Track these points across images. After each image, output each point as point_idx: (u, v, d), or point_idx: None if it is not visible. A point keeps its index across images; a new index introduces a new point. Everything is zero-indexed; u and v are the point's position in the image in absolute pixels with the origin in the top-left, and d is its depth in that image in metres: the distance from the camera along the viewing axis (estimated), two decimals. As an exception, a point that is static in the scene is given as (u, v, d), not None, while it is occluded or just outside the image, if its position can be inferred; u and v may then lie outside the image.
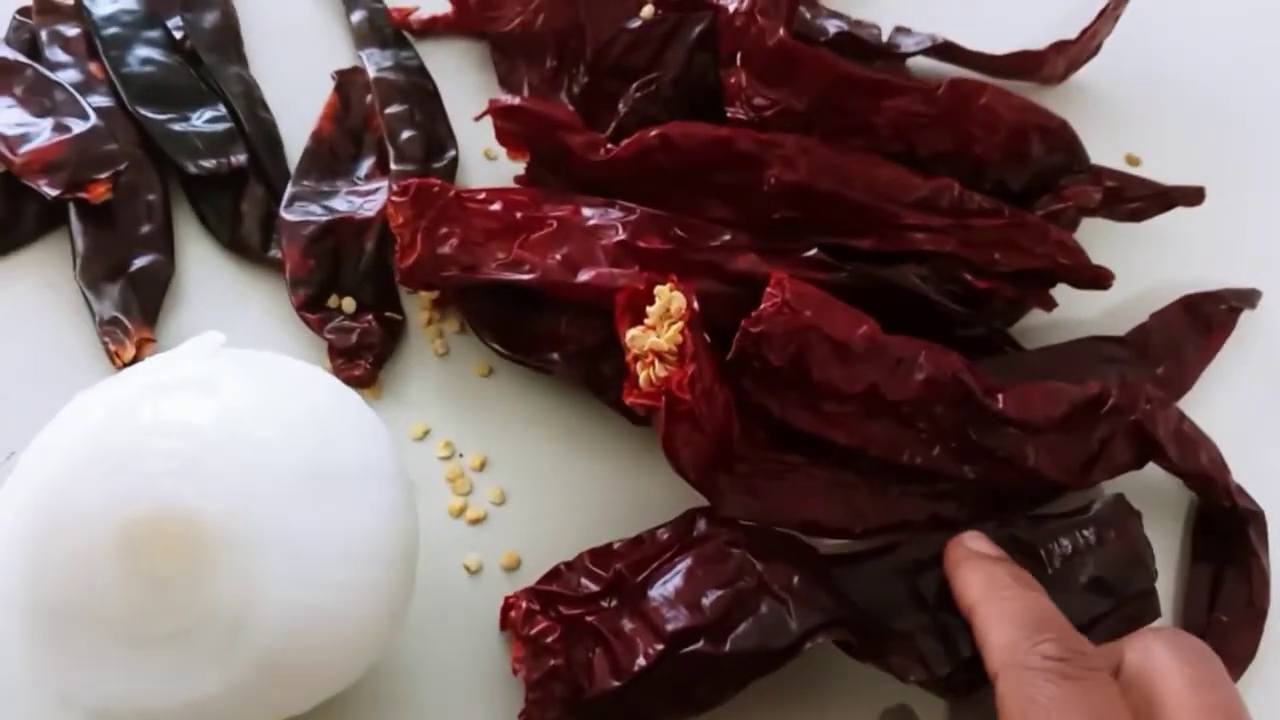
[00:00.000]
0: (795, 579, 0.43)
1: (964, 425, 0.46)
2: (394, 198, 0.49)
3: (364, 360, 0.51)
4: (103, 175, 0.52)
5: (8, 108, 0.55)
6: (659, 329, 0.43)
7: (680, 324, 0.42)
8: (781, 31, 0.53)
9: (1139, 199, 0.57)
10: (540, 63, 0.60)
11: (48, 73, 0.56)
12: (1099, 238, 0.56)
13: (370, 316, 0.52)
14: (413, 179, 0.49)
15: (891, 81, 0.54)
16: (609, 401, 0.50)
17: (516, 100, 0.52)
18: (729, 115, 0.53)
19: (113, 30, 0.58)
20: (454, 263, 0.49)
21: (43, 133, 0.53)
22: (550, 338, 0.51)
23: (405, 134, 0.57)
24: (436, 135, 0.58)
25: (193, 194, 0.56)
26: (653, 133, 0.51)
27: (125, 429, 0.37)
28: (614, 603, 0.44)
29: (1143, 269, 0.58)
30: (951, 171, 0.53)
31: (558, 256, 0.48)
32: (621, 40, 0.57)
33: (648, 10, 0.58)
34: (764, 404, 0.45)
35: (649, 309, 0.43)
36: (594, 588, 0.44)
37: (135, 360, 0.50)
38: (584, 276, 0.48)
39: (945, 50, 0.61)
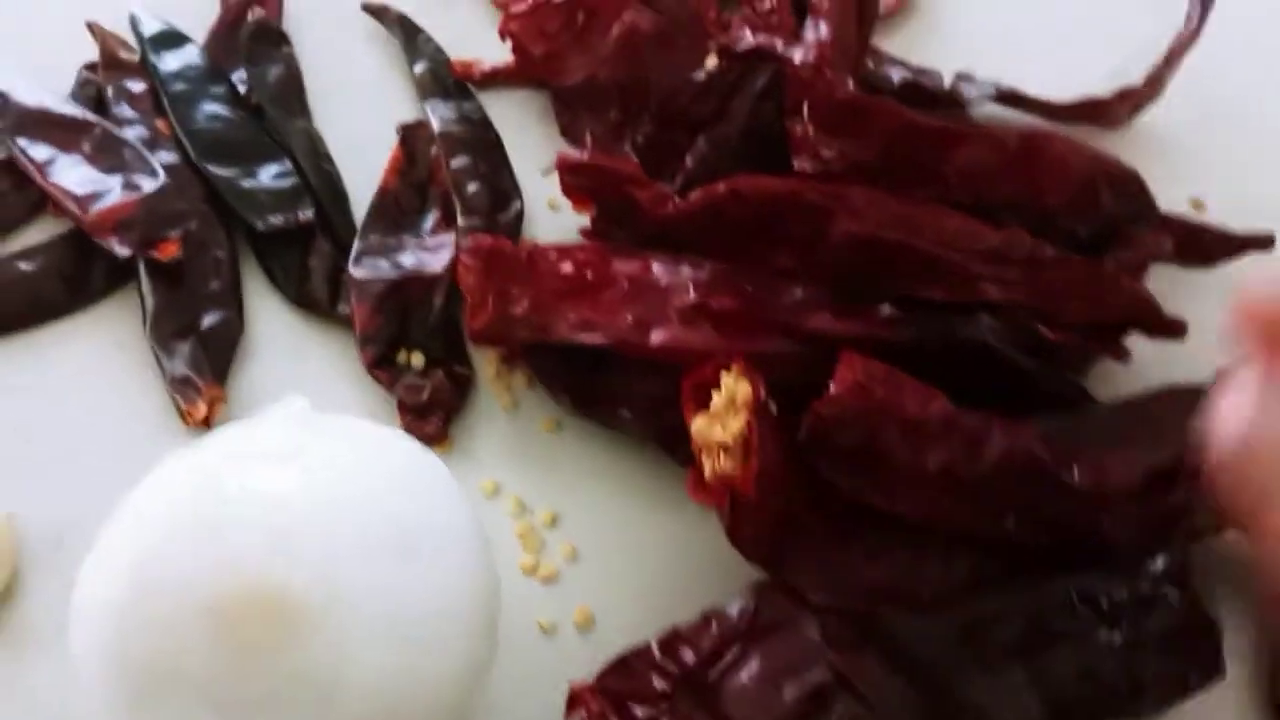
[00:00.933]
0: (872, 667, 0.42)
1: (1038, 498, 0.45)
2: (465, 259, 0.49)
3: (435, 418, 0.51)
4: (172, 234, 0.53)
5: (76, 165, 0.55)
6: (724, 419, 0.42)
7: (746, 414, 0.42)
8: (850, 83, 0.52)
9: (1208, 245, 0.57)
10: (603, 114, 0.60)
11: (115, 129, 0.56)
12: (1169, 282, 0.56)
13: (440, 372, 0.52)
14: (484, 240, 0.49)
15: (960, 131, 0.53)
16: (680, 459, 0.50)
17: (583, 156, 0.51)
18: (796, 167, 0.53)
19: (179, 86, 0.59)
20: (525, 324, 0.49)
21: (112, 191, 0.54)
22: (619, 393, 0.51)
23: (471, 187, 0.57)
24: (501, 188, 0.58)
25: (260, 249, 0.56)
26: (721, 186, 0.51)
27: (211, 499, 0.37)
28: (687, 702, 0.43)
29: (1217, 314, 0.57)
30: (1021, 220, 0.52)
31: (629, 318, 0.48)
32: (686, 92, 0.57)
33: (712, 61, 0.57)
34: (834, 482, 0.45)
35: (715, 395, 0.43)
36: (665, 686, 0.43)
37: (207, 419, 0.50)
38: (656, 339, 0.48)
39: (1009, 97, 0.61)
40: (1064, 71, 0.63)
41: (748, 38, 0.57)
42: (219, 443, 0.40)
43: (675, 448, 0.50)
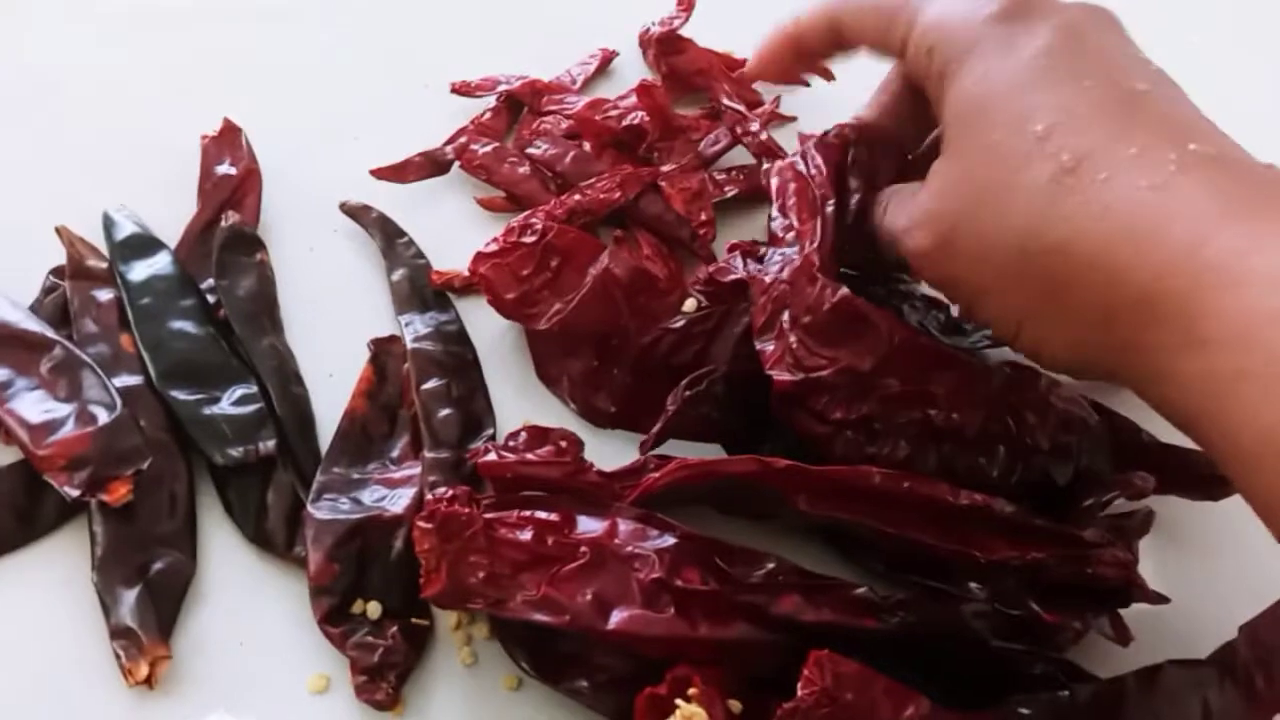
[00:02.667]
0: None
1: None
2: (419, 523, 0.47)
3: (387, 682, 0.48)
4: (125, 473, 0.50)
5: (31, 389, 0.53)
6: None
7: None
8: (842, 289, 0.50)
9: (1210, 480, 0.54)
10: (581, 358, 0.58)
11: (77, 350, 0.54)
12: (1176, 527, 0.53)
13: (395, 627, 0.50)
14: (440, 502, 0.47)
15: (952, 355, 0.51)
16: (642, 738, 0.47)
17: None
18: (775, 380, 0.50)
19: (145, 300, 0.57)
20: (480, 595, 0.46)
21: (67, 422, 0.52)
22: (580, 662, 0.48)
23: (441, 413, 0.55)
24: (474, 412, 0.56)
25: (219, 479, 0.54)
26: (682, 471, 0.49)
27: None
28: None
29: (1222, 568, 0.54)
30: (1000, 454, 0.51)
31: (589, 595, 0.45)
32: (665, 341, 0.55)
33: (690, 305, 0.55)
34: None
35: None
36: None
37: (149, 679, 0.48)
38: (615, 620, 0.45)
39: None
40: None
41: (738, 268, 0.55)
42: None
43: (634, 729, 0.47)
